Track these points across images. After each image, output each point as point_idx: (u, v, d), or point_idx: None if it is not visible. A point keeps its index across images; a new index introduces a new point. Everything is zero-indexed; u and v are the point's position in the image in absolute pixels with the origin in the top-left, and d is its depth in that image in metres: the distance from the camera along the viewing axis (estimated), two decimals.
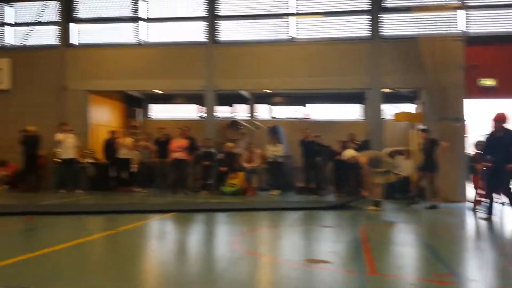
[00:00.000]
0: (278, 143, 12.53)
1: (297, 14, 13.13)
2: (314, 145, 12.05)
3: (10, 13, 14.57)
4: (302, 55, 12.72)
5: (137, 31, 13.78)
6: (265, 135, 14.52)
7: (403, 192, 10.56)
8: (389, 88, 12.50)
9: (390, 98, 13.20)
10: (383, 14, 12.35)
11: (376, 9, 12.28)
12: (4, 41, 14.53)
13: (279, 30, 13.29)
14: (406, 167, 10.29)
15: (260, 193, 12.10)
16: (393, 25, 12.45)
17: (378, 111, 12.25)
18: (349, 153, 9.36)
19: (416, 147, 11.12)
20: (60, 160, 12.09)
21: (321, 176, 12.37)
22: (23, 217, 7.18)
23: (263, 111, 16.83)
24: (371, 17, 12.36)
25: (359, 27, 12.67)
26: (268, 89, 13.93)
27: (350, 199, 9.91)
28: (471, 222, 8.20)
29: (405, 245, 5.73)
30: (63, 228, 6.50)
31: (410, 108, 14.12)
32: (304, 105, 16.45)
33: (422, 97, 12.16)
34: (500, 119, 7.68)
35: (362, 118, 15.46)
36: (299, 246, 5.65)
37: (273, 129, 13.75)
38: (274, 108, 16.89)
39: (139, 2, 13.75)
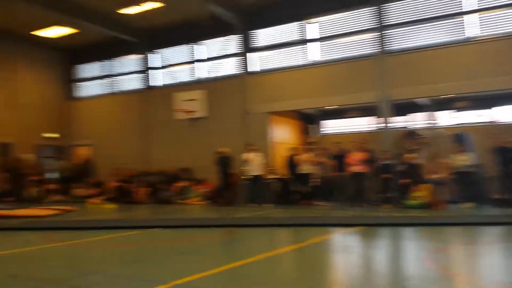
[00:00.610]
0: (465, 151, 11.52)
1: (477, 10, 12.01)
2: (510, 151, 10.72)
3: (201, 51, 16.88)
4: (484, 53, 11.57)
5: (308, 52, 14.44)
6: (449, 143, 13.49)
7: None
8: None
9: None
10: None
11: None
12: (199, 75, 16.84)
13: (454, 30, 12.36)
14: None
15: (449, 207, 11.25)
16: None
17: None
18: None
19: None
20: (248, 177, 13.37)
21: None
22: (222, 229, 8.14)
23: (444, 118, 15.66)
24: None
25: None
26: (449, 94, 12.98)
27: None
28: None
29: None
30: (257, 240, 7.11)
31: None
32: (490, 108, 14.74)
33: None
34: None
35: None
36: (504, 266, 5.12)
37: (459, 136, 12.69)
38: (456, 113, 15.56)
39: (308, 24, 14.43)
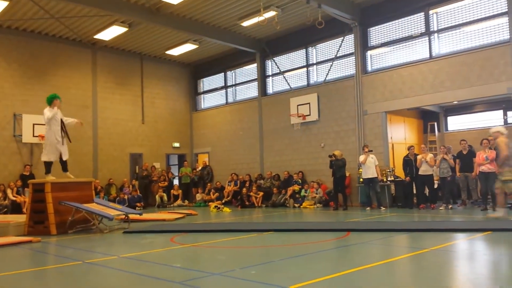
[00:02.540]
0: None
1: None
2: None
3: (313, 54, 16.90)
4: None
5: (430, 44, 13.50)
6: None
7: None
8: None
9: None
10: None
11: None
12: (313, 79, 16.88)
13: None
14: None
15: None
16: None
17: None
18: None
19: None
20: (363, 180, 12.96)
21: None
22: (337, 234, 7.98)
23: None
24: None
25: None
26: None
27: None
28: None
29: None
30: (374, 245, 6.87)
31: None
32: None
33: None
34: None
35: None
36: None
37: None
38: None
39: (430, 15, 13.52)
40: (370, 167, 12.59)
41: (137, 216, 11.07)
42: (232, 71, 20.10)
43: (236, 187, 16.83)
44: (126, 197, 16.13)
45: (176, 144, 20.45)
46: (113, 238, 8.73)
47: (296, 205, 14.55)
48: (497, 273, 4.90)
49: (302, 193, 14.75)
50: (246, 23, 15.82)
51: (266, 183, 16.22)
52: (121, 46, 18.27)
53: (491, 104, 15.13)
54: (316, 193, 14.45)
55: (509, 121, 14.45)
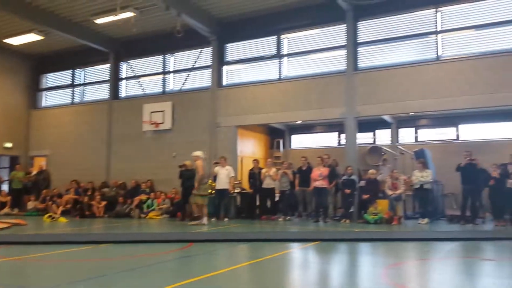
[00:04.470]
0: (425, 168, 11.71)
1: (444, 31, 12.34)
2: (474, 169, 10.96)
3: (171, 62, 16.69)
4: (451, 73, 11.87)
5: (280, 67, 14.48)
6: (411, 160, 13.75)
7: None
8: None
9: None
10: None
11: None
12: (168, 87, 16.61)
13: (423, 50, 12.63)
14: None
15: (406, 222, 11.36)
16: None
17: None
18: None
19: None
20: (213, 191, 13.09)
21: (477, 203, 11.17)
22: (180, 244, 7.85)
23: (408, 135, 16.00)
24: None
25: None
26: (414, 112, 13.23)
27: None
28: None
29: None
30: (214, 255, 6.93)
31: None
32: (455, 126, 15.18)
33: None
34: None
35: None
36: (455, 280, 5.12)
37: (420, 153, 12.94)
38: (420, 131, 15.94)
39: (281, 39, 14.48)
40: (222, 179, 12.75)
41: None
42: (82, 70, 18.70)
43: (77, 196, 15.45)
44: None
45: (8, 145, 18.06)
46: None
47: (142, 215, 13.99)
48: (321, 277, 5.36)
49: (149, 203, 14.26)
50: (100, 21, 14.91)
51: (111, 192, 15.29)
52: None
53: (328, 126, 16.88)
54: (164, 203, 14.14)
55: (341, 143, 16.25)
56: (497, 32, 11.81)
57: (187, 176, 12.82)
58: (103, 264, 6.17)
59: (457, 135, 15.13)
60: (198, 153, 11.59)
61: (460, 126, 15.07)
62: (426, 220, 11.17)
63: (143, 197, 14.45)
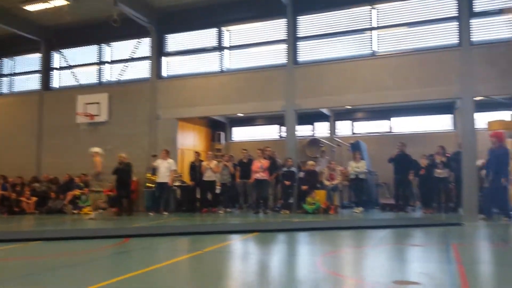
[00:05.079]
0: (360, 159, 12.16)
1: (379, 27, 12.77)
2: (406, 159, 11.56)
3: (107, 52, 16.02)
4: (386, 68, 12.34)
5: (221, 59, 14.34)
6: (347, 151, 14.22)
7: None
8: (482, 96, 11.60)
9: (482, 106, 12.27)
10: (473, 19, 11.58)
11: (465, 14, 11.55)
12: (103, 78, 15.95)
13: (359, 45, 13.00)
14: None
15: (342, 211, 11.77)
16: (484, 30, 11.64)
17: (471, 121, 11.38)
18: None
19: None
20: (153, 185, 12.80)
21: (408, 192, 11.83)
22: (116, 240, 7.60)
23: (345, 128, 16.54)
24: (459, 23, 11.68)
25: (446, 35, 12.05)
26: (351, 105, 13.67)
27: None
28: None
29: (504, 266, 5.17)
30: (153, 249, 6.75)
31: (506, 116, 12.97)
32: (389, 119, 15.90)
33: None
34: None
35: (452, 129, 14.54)
36: (386, 266, 5.35)
37: (355, 145, 13.41)
38: (356, 124, 16.53)
39: (222, 32, 14.34)
40: (163, 172, 12.48)
41: None
42: (10, 59, 17.49)
43: (4, 191, 14.46)
44: None
45: None
46: None
47: (75, 211, 13.37)
48: (260, 268, 5.39)
49: (83, 198, 13.66)
50: (30, 8, 13.99)
51: (42, 187, 14.47)
52: None
53: (269, 119, 17.03)
54: (100, 198, 13.58)
55: (282, 135, 16.46)
56: (428, 30, 12.42)
57: (123, 170, 12.41)
58: (31, 263, 5.82)
59: (390, 128, 15.86)
60: (96, 149, 11.62)
61: (393, 119, 15.81)
62: (360, 209, 11.62)
63: (77, 192, 13.81)
